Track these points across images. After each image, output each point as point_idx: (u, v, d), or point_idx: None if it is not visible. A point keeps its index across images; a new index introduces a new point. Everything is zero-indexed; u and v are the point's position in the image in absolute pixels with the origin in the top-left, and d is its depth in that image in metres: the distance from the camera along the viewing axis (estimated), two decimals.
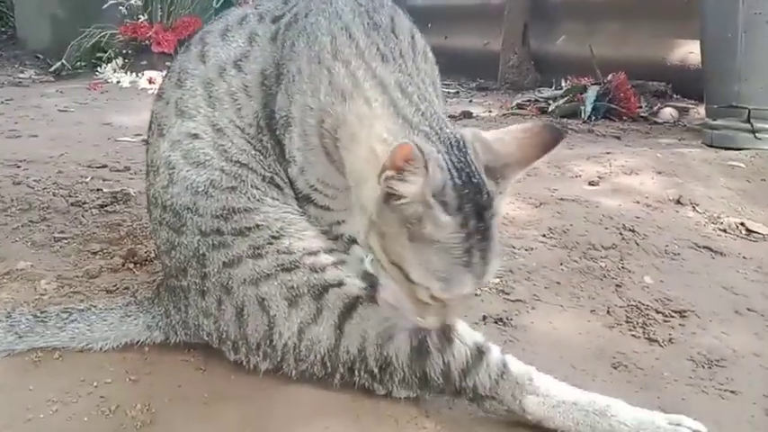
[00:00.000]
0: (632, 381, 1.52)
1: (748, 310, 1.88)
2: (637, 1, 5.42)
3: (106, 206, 2.38)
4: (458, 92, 6.17)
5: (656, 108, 4.78)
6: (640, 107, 4.78)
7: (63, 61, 6.42)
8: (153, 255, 1.94)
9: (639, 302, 1.88)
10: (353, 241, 1.58)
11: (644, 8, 5.32)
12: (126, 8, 6.38)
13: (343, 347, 1.35)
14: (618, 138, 4.05)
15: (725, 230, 2.49)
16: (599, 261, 2.15)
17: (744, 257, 2.25)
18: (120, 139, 3.69)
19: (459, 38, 6.78)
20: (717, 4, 3.71)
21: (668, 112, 4.66)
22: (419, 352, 1.32)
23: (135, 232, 2.17)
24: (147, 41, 6.31)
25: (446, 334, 1.31)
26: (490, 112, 5.07)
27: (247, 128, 1.46)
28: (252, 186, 1.45)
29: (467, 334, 1.33)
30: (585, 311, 1.83)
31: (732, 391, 1.48)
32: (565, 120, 4.65)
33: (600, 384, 1.49)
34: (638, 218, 2.55)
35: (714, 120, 3.75)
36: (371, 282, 1.41)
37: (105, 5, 6.25)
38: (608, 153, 3.40)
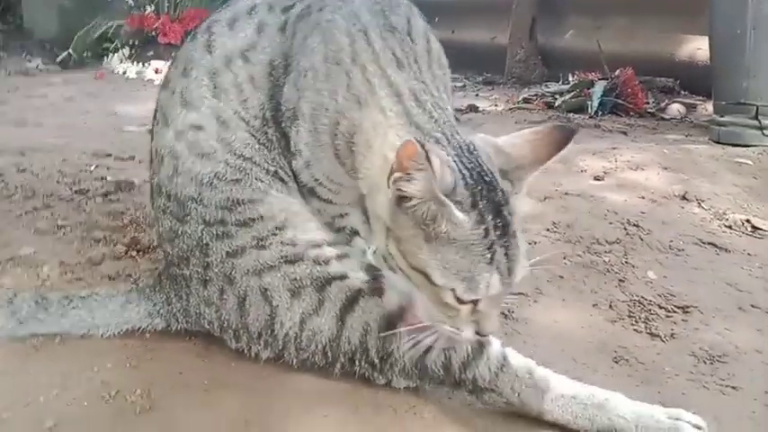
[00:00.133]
0: (633, 375, 1.51)
1: (752, 306, 1.87)
2: None
3: (110, 194, 2.39)
4: (464, 86, 6.15)
5: (663, 104, 4.75)
6: (647, 103, 4.75)
7: (70, 51, 6.44)
8: (155, 243, 1.94)
9: (642, 297, 1.87)
10: (356, 233, 1.58)
11: (652, 3, 5.29)
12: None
13: (344, 338, 1.35)
14: (624, 133, 4.03)
15: (730, 227, 2.48)
16: (602, 256, 2.14)
17: (749, 254, 2.23)
18: (126, 128, 3.69)
19: (466, 32, 6.76)
20: (726, 1, 3.68)
21: (675, 109, 4.63)
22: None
23: (138, 220, 2.17)
24: (153, 32, 6.32)
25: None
26: (496, 105, 5.05)
27: (252, 120, 1.46)
28: (256, 179, 1.45)
29: None
30: (588, 305, 1.83)
31: (733, 387, 1.47)
32: (571, 115, 4.63)
33: (601, 378, 1.48)
34: (642, 213, 2.54)
35: (722, 116, 3.72)
36: (374, 275, 1.41)
37: None
38: (614, 148, 3.38)
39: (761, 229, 2.46)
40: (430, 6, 1.81)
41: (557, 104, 4.88)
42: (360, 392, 1.35)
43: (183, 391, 1.35)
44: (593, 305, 1.83)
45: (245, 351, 1.43)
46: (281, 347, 1.40)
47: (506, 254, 1.14)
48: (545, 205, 2.53)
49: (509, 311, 1.74)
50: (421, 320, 1.26)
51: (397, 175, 1.12)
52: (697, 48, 4.85)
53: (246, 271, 1.41)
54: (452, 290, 1.14)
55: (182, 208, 1.47)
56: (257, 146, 1.46)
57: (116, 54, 6.32)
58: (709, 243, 2.30)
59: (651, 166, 3.08)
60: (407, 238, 1.15)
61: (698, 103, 4.77)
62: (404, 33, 1.36)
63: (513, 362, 1.30)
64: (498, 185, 1.15)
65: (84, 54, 6.49)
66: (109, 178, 2.54)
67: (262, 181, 1.45)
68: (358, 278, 1.39)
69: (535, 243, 2.18)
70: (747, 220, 2.51)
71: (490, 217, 1.12)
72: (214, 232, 1.44)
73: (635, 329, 1.72)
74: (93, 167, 2.69)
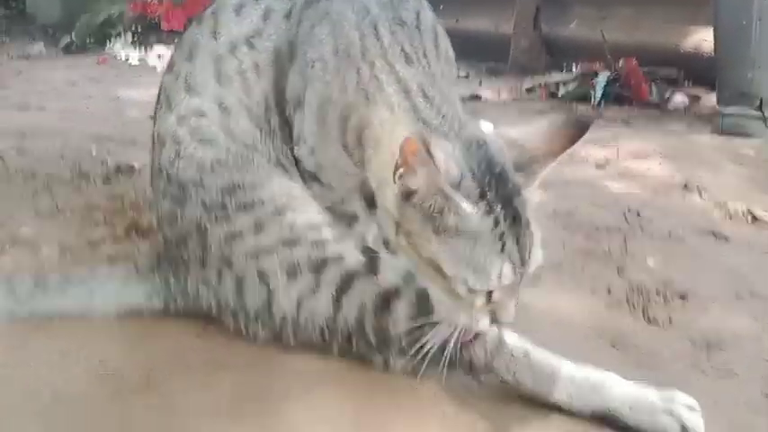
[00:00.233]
0: (630, 360, 1.52)
1: (751, 294, 1.87)
2: None
3: (110, 177, 2.39)
4: (468, 75, 6.11)
5: (666, 95, 4.73)
6: (651, 94, 4.73)
7: (72, 36, 6.42)
8: (157, 229, 1.94)
9: (641, 284, 1.87)
10: (356, 219, 1.58)
11: None
12: None
13: (340, 319, 1.36)
14: (627, 123, 4.02)
15: (731, 216, 2.48)
16: (602, 243, 2.14)
17: (748, 243, 2.23)
18: (128, 113, 3.69)
19: (470, 20, 6.72)
20: None
21: (679, 100, 4.62)
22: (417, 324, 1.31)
23: (138, 204, 2.18)
24: (156, 19, 6.30)
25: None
26: (500, 95, 5.03)
27: (255, 107, 1.46)
28: (258, 166, 1.46)
29: None
30: (586, 292, 1.83)
31: (730, 373, 1.47)
32: (574, 104, 4.62)
33: (598, 363, 1.46)
34: (643, 202, 2.54)
35: (725, 107, 3.71)
36: (370, 255, 1.41)
37: None
38: (616, 138, 3.38)
39: (761, 219, 2.46)
40: None
41: (560, 94, 4.87)
42: (358, 373, 1.35)
43: (182, 371, 1.36)
44: (592, 291, 1.83)
45: (243, 331, 1.44)
46: (278, 328, 1.41)
47: (518, 243, 1.13)
48: (545, 193, 2.53)
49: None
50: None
51: (401, 170, 1.12)
52: (702, 39, 4.81)
53: (244, 254, 1.42)
54: (464, 280, 1.14)
55: (182, 191, 1.47)
56: (259, 134, 1.46)
57: (119, 40, 6.31)
58: (709, 232, 2.30)
59: (653, 155, 3.07)
60: (417, 232, 1.16)
61: (702, 94, 4.75)
62: (413, 27, 1.35)
63: (509, 342, 1.30)
64: (509, 177, 1.15)
65: (87, 39, 6.48)
66: (110, 162, 2.54)
67: (263, 167, 1.46)
68: (354, 259, 1.40)
69: None
70: (748, 210, 2.50)
71: (500, 207, 1.12)
72: (213, 216, 1.44)
73: (633, 315, 1.72)
74: (94, 151, 2.69)
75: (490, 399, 1.30)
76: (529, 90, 5.10)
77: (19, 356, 1.38)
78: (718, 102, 3.85)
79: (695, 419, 1.20)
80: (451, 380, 1.28)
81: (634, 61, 4.67)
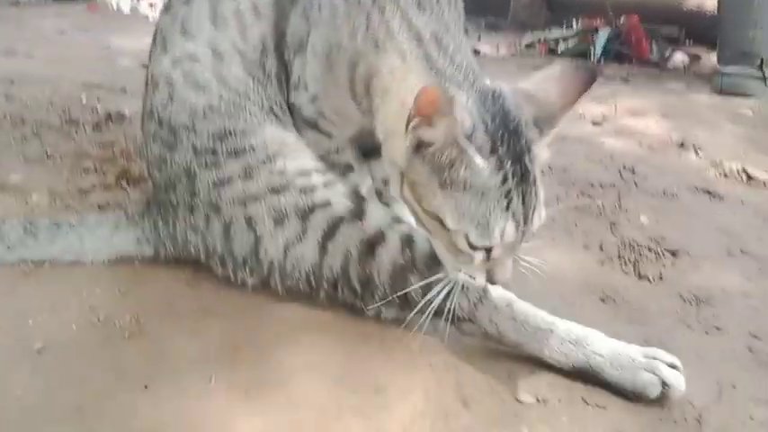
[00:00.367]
0: (619, 314, 1.53)
1: (741, 252, 1.88)
2: None
3: (100, 125, 2.35)
4: (466, 29, 6.02)
5: (667, 53, 4.67)
6: (651, 52, 4.67)
7: None
8: (146, 174, 1.93)
9: (633, 240, 1.87)
10: (350, 169, 1.57)
11: None
12: None
13: (326, 265, 1.36)
14: (626, 81, 3.98)
15: (726, 175, 2.47)
16: (596, 199, 2.13)
17: (742, 202, 2.23)
18: (118, 62, 3.62)
19: None
20: None
21: (679, 58, 4.56)
22: (401, 272, 1.31)
23: (128, 151, 2.15)
24: None
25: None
26: (499, 50, 4.96)
27: (250, 52, 1.43)
28: (250, 114, 1.44)
29: None
30: (578, 247, 1.83)
31: (717, 328, 1.48)
32: (573, 61, 4.55)
33: (587, 317, 1.48)
34: (639, 159, 2.53)
35: (725, 66, 3.67)
36: (358, 201, 1.40)
37: None
38: (614, 95, 3.35)
39: (756, 178, 2.46)
40: None
41: (559, 50, 4.80)
42: (347, 322, 1.35)
43: (172, 317, 1.36)
44: (584, 247, 1.84)
45: (232, 277, 1.44)
46: (266, 274, 1.41)
47: (524, 201, 1.12)
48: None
49: None
50: None
51: (416, 121, 1.09)
52: None
53: (232, 200, 1.41)
54: (466, 235, 1.12)
55: (173, 135, 1.46)
56: (251, 82, 1.43)
57: None
58: (703, 190, 2.30)
59: (650, 113, 3.05)
60: (423, 184, 1.14)
61: (702, 53, 4.70)
62: None
63: (492, 293, 1.30)
64: (522, 133, 1.12)
65: None
66: (100, 109, 2.50)
67: (256, 116, 1.44)
68: (342, 205, 1.38)
69: None
70: (743, 169, 2.50)
71: (509, 163, 1.10)
72: (203, 161, 1.43)
73: (624, 271, 1.73)
74: (84, 98, 2.64)
75: (479, 350, 1.31)
76: (528, 46, 5.03)
77: (8, 303, 1.37)
78: (719, 61, 3.80)
79: (676, 377, 1.20)
80: (439, 331, 1.28)
81: (635, 18, 4.60)
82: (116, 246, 1.54)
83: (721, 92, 3.60)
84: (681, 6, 5.03)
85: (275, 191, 1.39)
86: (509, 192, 1.10)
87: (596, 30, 4.70)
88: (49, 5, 5.72)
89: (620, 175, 2.35)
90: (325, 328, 1.34)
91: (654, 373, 1.20)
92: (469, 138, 1.07)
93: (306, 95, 1.42)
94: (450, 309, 1.23)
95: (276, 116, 1.47)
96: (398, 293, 1.30)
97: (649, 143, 2.70)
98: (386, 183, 1.68)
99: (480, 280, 1.19)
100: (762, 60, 3.51)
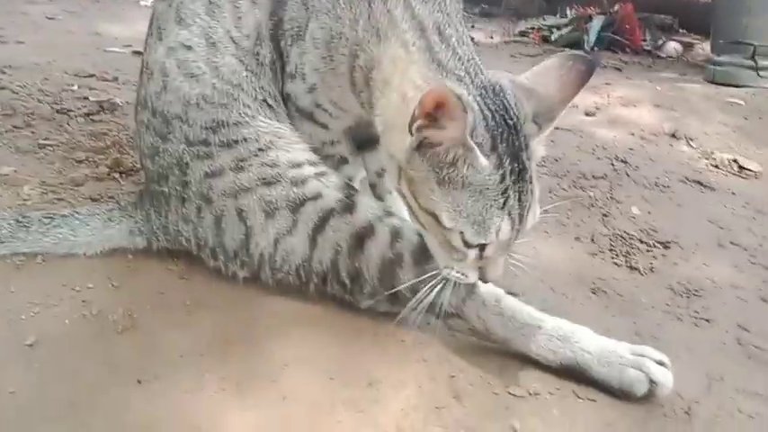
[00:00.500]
0: (610, 306, 1.54)
1: (731, 243, 1.89)
2: None
3: (92, 115, 2.33)
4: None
5: (660, 42, 4.67)
6: (644, 40, 4.67)
7: None
8: (139, 165, 1.92)
9: (624, 232, 1.89)
10: (344, 161, 1.57)
11: None
12: None
13: (316, 259, 1.36)
14: (619, 70, 3.99)
15: (717, 166, 2.49)
16: (588, 190, 2.14)
17: (733, 193, 2.25)
18: (110, 49, 3.58)
19: None
20: None
21: (672, 47, 4.57)
22: (389, 266, 1.31)
23: (121, 142, 2.13)
24: None
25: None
26: (492, 38, 4.95)
27: (244, 40, 1.42)
28: (244, 105, 1.43)
29: None
30: (570, 238, 1.84)
31: (707, 320, 1.50)
32: (567, 50, 4.54)
33: (578, 308, 1.51)
34: (631, 149, 2.54)
35: (718, 55, 3.68)
36: (348, 193, 1.40)
37: None
38: (607, 84, 3.35)
39: (747, 169, 2.48)
40: None
41: (553, 38, 4.80)
42: (339, 316, 1.36)
43: (164, 311, 1.36)
44: (576, 238, 1.85)
45: (223, 270, 1.44)
46: (256, 267, 1.41)
47: (519, 200, 1.12)
48: None
49: None
50: None
51: (421, 122, 1.07)
52: None
53: (223, 192, 1.41)
54: (461, 233, 1.12)
55: (166, 125, 1.45)
56: (245, 73, 1.42)
57: None
58: (694, 181, 2.31)
59: (643, 103, 3.05)
60: (421, 180, 1.13)
61: (695, 42, 4.71)
62: None
63: (481, 289, 1.30)
64: (521, 129, 1.12)
65: None
66: (91, 98, 2.48)
67: (249, 107, 1.43)
68: (332, 197, 1.38)
69: None
70: (734, 160, 2.52)
71: (508, 161, 1.10)
72: (195, 152, 1.42)
73: (615, 263, 1.74)
74: (75, 87, 2.62)
75: (470, 345, 1.31)
76: (522, 34, 5.01)
77: (1, 299, 1.36)
78: (712, 49, 3.81)
79: (664, 374, 1.20)
80: (434, 326, 1.28)
81: (629, 6, 4.59)
82: (109, 237, 1.54)
83: (714, 82, 3.60)
84: None
85: (266, 183, 1.39)
86: (506, 190, 1.10)
87: (590, 18, 4.70)
88: None
89: (613, 165, 2.35)
90: (318, 321, 1.34)
91: (641, 371, 1.20)
92: (471, 134, 1.07)
93: (303, 85, 1.41)
94: (442, 304, 1.24)
95: (270, 107, 1.46)
96: (389, 291, 1.30)
97: (642, 133, 2.71)
98: (379, 175, 1.68)
99: (472, 277, 1.19)
100: (754, 49, 3.52)
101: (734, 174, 2.44)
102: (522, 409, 1.16)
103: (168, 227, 1.50)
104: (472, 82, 1.16)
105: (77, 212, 1.58)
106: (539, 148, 1.17)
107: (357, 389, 1.17)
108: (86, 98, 2.49)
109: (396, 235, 1.34)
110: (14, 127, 2.16)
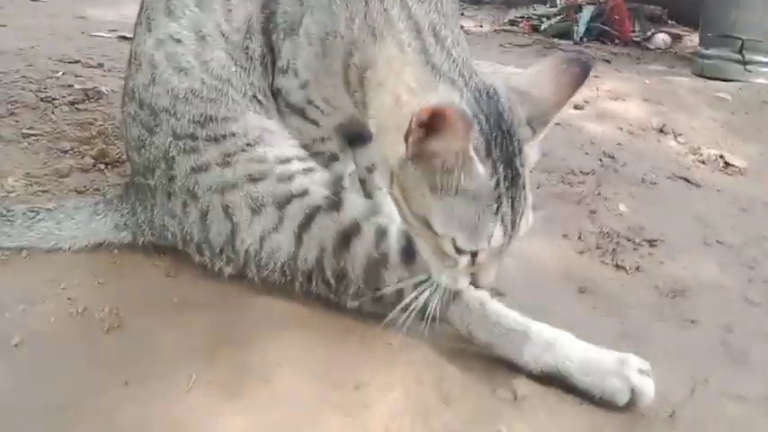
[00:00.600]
0: (597, 306, 1.55)
1: (717, 242, 1.91)
2: None
3: (77, 103, 2.30)
4: None
5: (649, 33, 4.68)
6: (633, 31, 4.68)
7: None
8: (124, 156, 1.90)
9: (612, 230, 1.90)
10: (334, 158, 1.55)
11: None
12: None
13: (301, 257, 1.35)
14: (608, 62, 3.99)
15: (704, 162, 2.51)
16: (576, 186, 2.15)
17: (718, 190, 2.27)
18: (95, 33, 3.52)
19: None
20: None
21: (661, 39, 4.58)
22: (374, 266, 1.31)
23: (106, 132, 2.11)
24: None
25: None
26: (482, 26, 4.93)
27: (234, 34, 1.40)
28: (233, 100, 1.41)
29: None
30: (557, 236, 1.85)
31: (692, 321, 1.51)
32: (556, 40, 4.55)
33: (565, 308, 1.51)
34: (619, 144, 2.55)
35: (707, 49, 3.69)
36: (336, 190, 1.39)
37: None
38: (596, 77, 3.34)
39: (733, 166, 2.49)
40: None
41: (543, 28, 4.79)
42: (327, 316, 1.35)
43: (151, 309, 1.35)
44: (563, 235, 1.85)
45: (208, 265, 1.43)
46: (242, 264, 1.39)
47: (513, 207, 1.10)
48: None
49: None
50: None
51: (419, 134, 1.04)
52: None
53: (209, 187, 1.39)
54: (453, 239, 1.11)
55: (153, 118, 1.44)
56: (234, 67, 1.41)
57: None
58: (681, 177, 2.32)
59: (632, 97, 3.06)
60: (414, 185, 1.11)
61: (684, 33, 4.72)
62: None
63: (465, 293, 1.28)
64: (515, 134, 1.10)
65: None
66: (76, 86, 2.44)
67: (238, 103, 1.42)
68: (318, 194, 1.36)
69: None
70: (721, 156, 2.54)
71: (502, 167, 1.08)
72: (182, 146, 1.41)
73: (602, 261, 1.75)
74: (59, 74, 2.58)
75: (457, 348, 1.31)
76: (511, 22, 5.00)
77: None
78: (700, 42, 3.82)
79: (646, 383, 1.19)
80: (420, 329, 1.28)
81: None
82: (94, 232, 1.53)
83: (701, 75, 3.62)
84: None
85: (253, 179, 1.38)
86: (499, 196, 1.08)
87: (580, 8, 4.69)
88: None
89: (600, 161, 2.36)
90: (305, 322, 1.34)
91: (623, 380, 1.19)
92: (474, 147, 1.05)
93: (295, 81, 1.39)
94: (430, 308, 1.23)
95: (259, 102, 1.45)
96: (375, 294, 1.30)
97: (630, 128, 2.72)
98: (369, 171, 1.67)
99: (464, 283, 1.19)
100: (742, 43, 3.53)
101: (720, 170, 2.46)
102: (509, 413, 1.17)
103: (154, 221, 1.49)
104: (466, 85, 1.14)
105: (62, 206, 1.56)
106: (532, 152, 1.15)
107: (345, 392, 1.17)
108: (71, 86, 2.45)
109: (381, 235, 1.33)
110: None
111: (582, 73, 1.16)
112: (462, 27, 4.35)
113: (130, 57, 1.51)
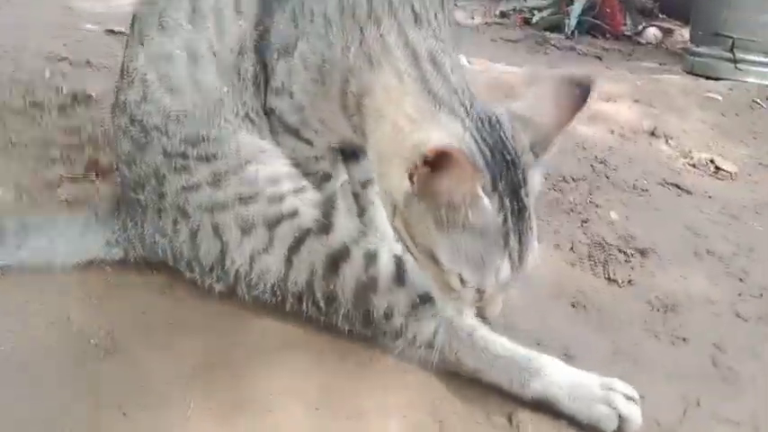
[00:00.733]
0: (589, 321, 1.56)
1: (707, 252, 1.93)
2: None
3: (66, 107, 2.27)
4: None
5: (640, 27, 4.68)
6: (625, 24, 4.68)
7: None
8: (115, 165, 1.87)
9: (603, 239, 1.91)
10: (327, 178, 1.53)
11: None
12: None
13: (291, 279, 1.35)
14: (599, 58, 3.99)
15: (694, 166, 2.52)
16: (567, 194, 2.15)
17: (709, 197, 2.29)
18: (82, 27, 3.47)
19: None
20: None
21: (652, 33, 4.58)
22: (363, 290, 1.31)
23: (96, 138, 2.08)
24: None
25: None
26: (473, 18, 4.91)
27: (227, 54, 1.38)
28: (225, 120, 1.40)
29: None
30: (549, 246, 1.85)
31: (683, 339, 1.53)
32: (547, 34, 4.53)
33: (557, 323, 1.53)
34: (611, 148, 2.56)
35: (697, 46, 3.70)
36: (327, 211, 1.38)
37: None
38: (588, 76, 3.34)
39: (723, 170, 2.51)
40: None
41: (534, 20, 4.77)
42: (322, 338, 1.35)
43: (146, 331, 1.34)
44: (555, 246, 1.86)
45: (199, 282, 1.43)
46: (232, 283, 1.40)
47: (520, 240, 1.09)
48: None
49: None
50: None
51: (426, 171, 1.02)
52: None
53: (200, 206, 1.39)
54: (459, 274, 1.10)
55: (144, 134, 1.42)
56: (226, 87, 1.39)
57: None
58: (672, 184, 2.34)
59: (623, 97, 3.06)
60: (418, 220, 1.10)
61: (675, 28, 4.72)
62: None
63: (455, 320, 1.28)
64: (519, 164, 1.09)
65: None
66: (65, 89, 2.40)
67: (230, 123, 1.40)
68: (308, 215, 1.36)
69: None
70: (711, 160, 2.56)
71: (508, 201, 1.07)
72: (173, 164, 1.40)
73: (594, 273, 1.77)
74: (47, 75, 2.54)
75: (452, 374, 1.31)
76: (503, 15, 4.97)
77: None
78: (691, 40, 3.83)
79: (632, 410, 1.21)
80: (412, 354, 1.28)
81: None
82: (86, 248, 1.51)
83: (692, 72, 3.63)
84: None
85: (243, 200, 1.37)
86: (507, 232, 1.07)
87: (571, 1, 4.67)
88: None
89: (592, 167, 2.37)
90: (300, 344, 1.34)
91: (610, 407, 1.21)
92: (483, 188, 1.04)
93: (290, 103, 1.37)
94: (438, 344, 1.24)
95: (252, 121, 1.43)
96: (362, 313, 1.31)
97: (621, 131, 2.72)
98: (363, 186, 1.67)
99: (469, 315, 1.20)
100: (733, 42, 3.54)
101: (710, 175, 2.48)
102: None
103: (145, 237, 1.48)
104: (467, 114, 1.12)
105: (54, 221, 1.55)
106: (536, 177, 1.14)
107: (343, 421, 1.17)
108: (59, 88, 2.41)
109: (371, 259, 1.33)
110: None
111: (582, 95, 1.15)
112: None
113: (122, 70, 1.49)
